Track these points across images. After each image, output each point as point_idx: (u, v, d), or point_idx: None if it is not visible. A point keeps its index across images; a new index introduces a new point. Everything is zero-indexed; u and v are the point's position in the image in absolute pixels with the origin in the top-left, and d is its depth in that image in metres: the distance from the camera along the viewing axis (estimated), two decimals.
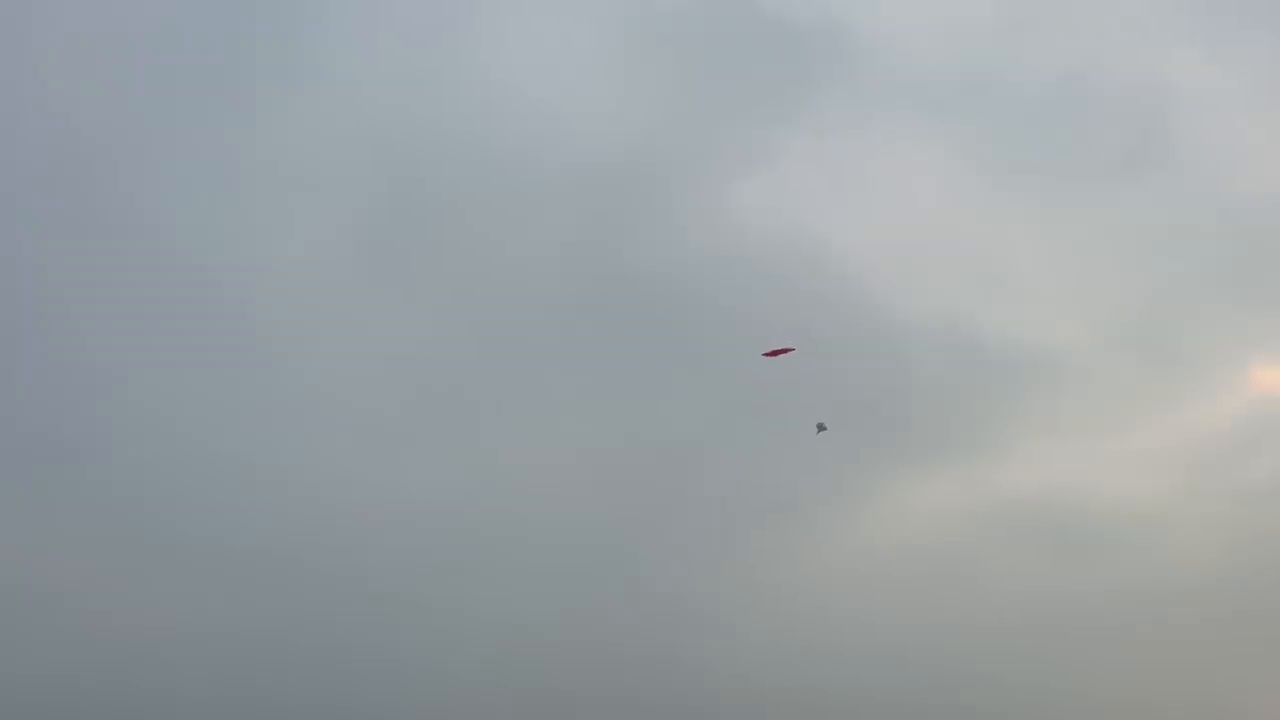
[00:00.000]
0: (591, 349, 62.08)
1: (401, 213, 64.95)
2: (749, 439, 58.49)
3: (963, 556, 59.21)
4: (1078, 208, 65.71)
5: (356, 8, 66.24)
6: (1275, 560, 55.96)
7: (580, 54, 66.18)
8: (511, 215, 64.40)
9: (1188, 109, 65.63)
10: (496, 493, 57.92)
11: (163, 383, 58.79)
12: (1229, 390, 63.50)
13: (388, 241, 64.55)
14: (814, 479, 59.59)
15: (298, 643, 52.89)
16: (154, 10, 63.15)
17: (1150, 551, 58.92)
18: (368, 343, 61.63)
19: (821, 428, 47.01)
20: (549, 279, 63.69)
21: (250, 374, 60.17)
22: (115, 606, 52.64)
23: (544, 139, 64.83)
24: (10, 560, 51.74)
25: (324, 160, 63.89)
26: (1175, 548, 58.89)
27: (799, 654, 54.29)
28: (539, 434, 60.14)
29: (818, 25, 65.74)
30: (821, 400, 60.08)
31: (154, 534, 54.69)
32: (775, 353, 46.21)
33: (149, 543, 54.51)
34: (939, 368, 63.04)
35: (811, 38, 65.55)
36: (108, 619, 52.11)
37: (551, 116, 65.16)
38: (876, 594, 57.00)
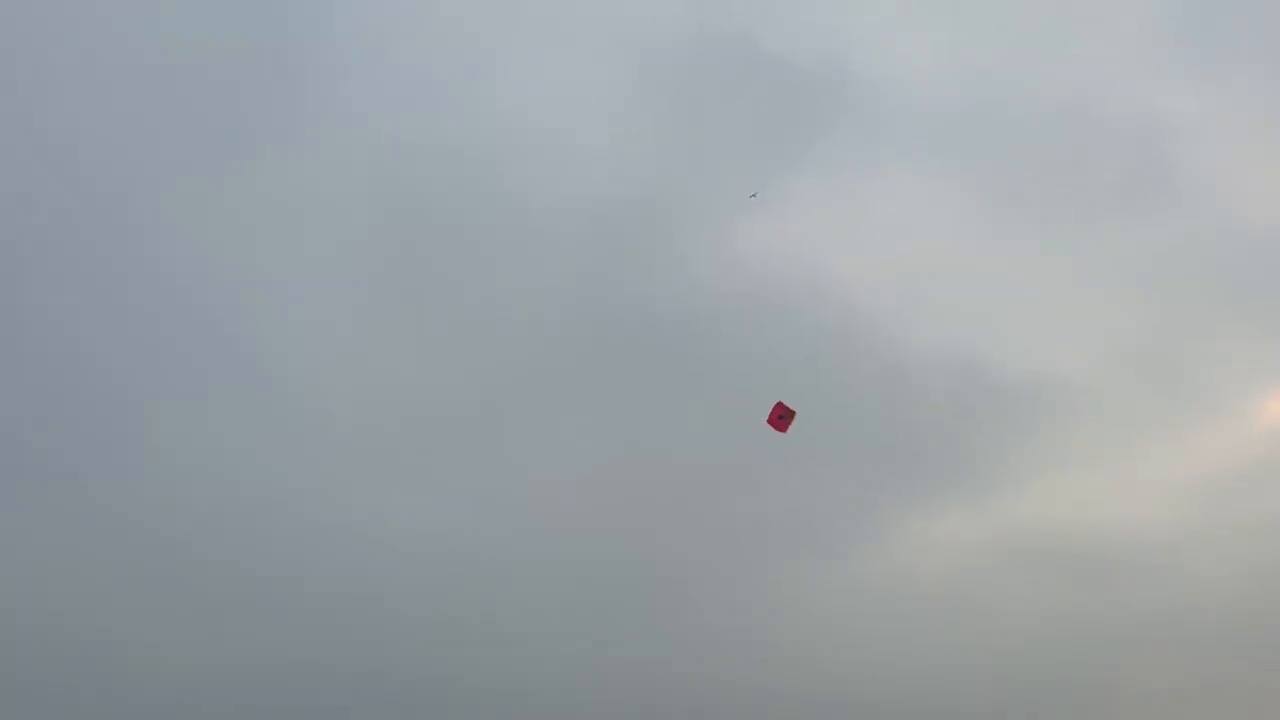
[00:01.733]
0: (600, 383, 62.16)
1: (410, 250, 65.22)
2: (760, 474, 58.24)
3: (979, 588, 58.96)
4: (1084, 238, 66.04)
5: (366, 48, 66.79)
6: None
7: (587, 94, 66.86)
8: (519, 253, 64.66)
9: (1188, 137, 66.17)
10: (505, 528, 57.91)
11: (171, 413, 58.93)
12: (1243, 420, 63.38)
13: (396, 279, 64.77)
14: (829, 512, 59.90)
15: (308, 673, 52.66)
16: (164, 45, 63.45)
17: (1169, 583, 58.54)
18: (378, 375, 61.73)
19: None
20: (556, 314, 63.97)
21: (261, 408, 60.22)
22: (125, 639, 52.35)
23: (551, 177, 65.26)
24: (17, 589, 51.69)
25: (334, 196, 64.27)
26: (1194, 578, 58.43)
27: (817, 684, 53.96)
28: (546, 470, 59.92)
29: (819, 64, 66.58)
30: (835, 433, 61.06)
31: (161, 565, 54.48)
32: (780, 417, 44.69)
33: (160, 574, 54.42)
34: (951, 400, 63.04)
35: (813, 76, 66.36)
36: (113, 650, 51.90)
37: (559, 155, 65.70)
38: (892, 626, 56.68)
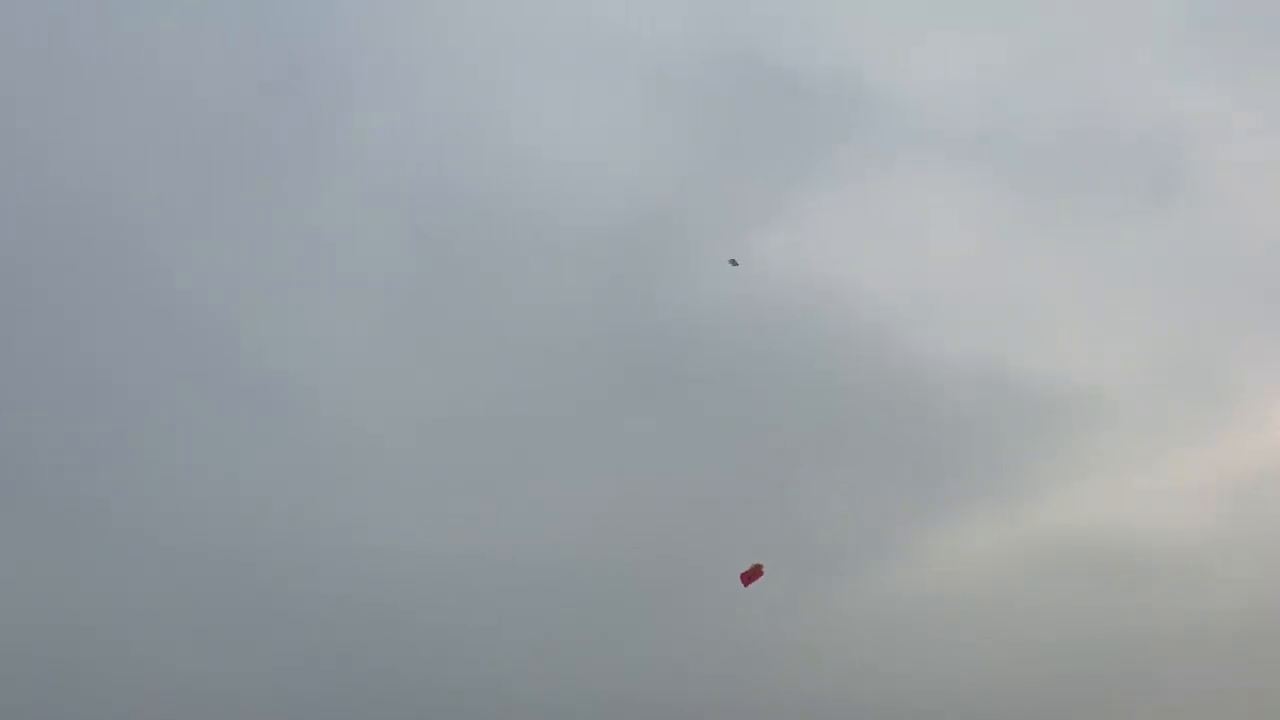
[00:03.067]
0: (618, 396, 62.47)
1: (430, 268, 65.68)
2: (781, 488, 58.40)
3: (1006, 595, 58.44)
4: (1105, 243, 65.91)
5: (389, 73, 67.85)
6: None
7: (603, 113, 67.46)
8: (537, 270, 65.16)
9: (1211, 141, 66.10)
10: (527, 540, 57.84)
11: (195, 433, 59.51)
12: (1268, 423, 62.69)
13: (418, 297, 65.48)
14: (850, 526, 59.50)
15: (331, 689, 53.04)
16: (189, 71, 64.46)
17: (1197, 587, 57.90)
18: (402, 393, 62.02)
19: (733, 263, 45.92)
20: (575, 330, 64.22)
21: (284, 426, 60.73)
22: (149, 657, 52.57)
23: (569, 195, 65.77)
24: (35, 608, 52.33)
25: (357, 218, 64.98)
26: (1221, 582, 57.79)
27: (833, 706, 53.95)
28: (566, 482, 60.11)
29: (832, 77, 66.84)
30: (858, 444, 61.23)
31: (185, 583, 54.82)
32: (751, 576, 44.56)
33: (183, 592, 54.66)
34: (974, 409, 62.78)
35: (828, 88, 66.66)
36: (136, 668, 52.02)
37: (576, 174, 66.12)
38: (918, 633, 56.45)
